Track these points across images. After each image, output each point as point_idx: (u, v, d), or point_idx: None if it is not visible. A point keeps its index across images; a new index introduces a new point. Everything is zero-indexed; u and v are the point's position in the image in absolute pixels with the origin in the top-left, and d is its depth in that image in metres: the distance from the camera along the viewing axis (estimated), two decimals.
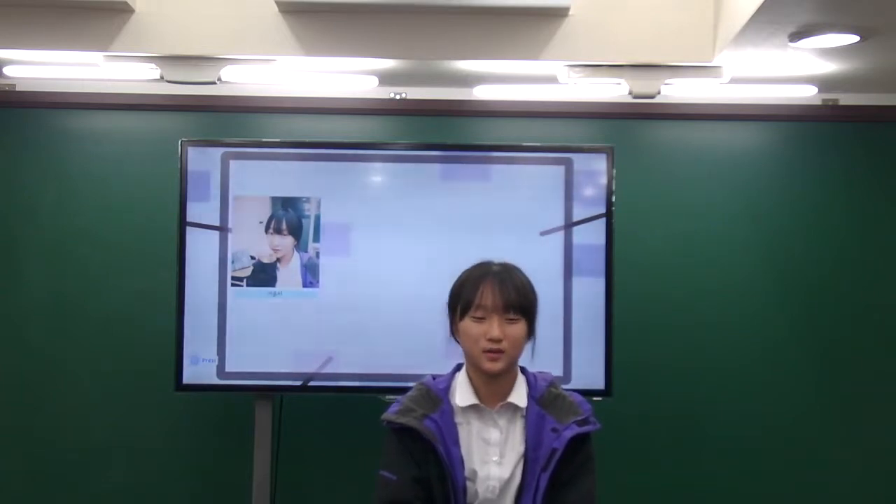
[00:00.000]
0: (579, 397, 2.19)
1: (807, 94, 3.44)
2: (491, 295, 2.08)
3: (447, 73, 3.30)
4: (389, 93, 3.52)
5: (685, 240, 3.54)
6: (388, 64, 3.19)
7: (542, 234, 3.14)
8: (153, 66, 3.07)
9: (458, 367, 2.20)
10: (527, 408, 2.12)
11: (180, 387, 3.11)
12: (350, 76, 3.37)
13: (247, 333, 3.12)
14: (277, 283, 3.12)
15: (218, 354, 3.11)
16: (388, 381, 3.06)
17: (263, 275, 3.13)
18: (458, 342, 2.16)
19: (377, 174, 3.23)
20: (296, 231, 3.14)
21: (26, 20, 2.96)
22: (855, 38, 2.71)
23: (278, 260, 3.13)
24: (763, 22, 2.55)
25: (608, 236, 3.13)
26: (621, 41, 3.00)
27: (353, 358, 3.12)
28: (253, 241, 3.13)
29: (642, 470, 3.50)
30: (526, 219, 3.14)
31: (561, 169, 3.16)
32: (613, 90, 3.19)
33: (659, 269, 3.52)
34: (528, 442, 2.09)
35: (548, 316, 2.89)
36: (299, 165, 3.18)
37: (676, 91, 3.27)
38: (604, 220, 3.13)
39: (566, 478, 2.08)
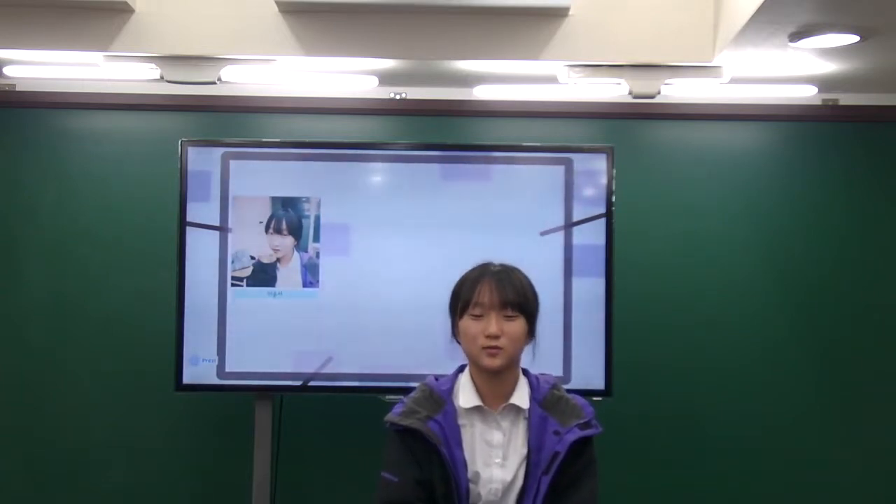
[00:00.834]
0: (582, 400, 2.19)
1: (807, 94, 3.44)
2: (488, 292, 2.10)
3: (447, 73, 3.30)
4: (389, 93, 3.52)
5: (685, 240, 3.54)
6: (388, 64, 3.19)
7: (542, 234, 3.14)
8: (153, 66, 3.07)
9: (461, 369, 2.20)
10: (529, 410, 2.12)
11: (180, 387, 3.11)
12: (350, 76, 3.36)
13: (247, 333, 3.12)
14: (277, 283, 3.12)
15: (218, 354, 3.11)
16: (387, 381, 3.06)
17: (263, 275, 3.13)
18: (459, 344, 2.16)
19: (377, 174, 3.23)
20: (296, 231, 3.14)
21: (26, 20, 2.96)
22: (855, 38, 2.71)
23: (278, 260, 3.13)
24: (763, 22, 2.55)
25: (608, 236, 3.13)
26: (621, 41, 3.00)
27: (353, 358, 3.11)
28: (253, 241, 3.13)
29: (642, 470, 3.50)
30: (526, 219, 3.14)
31: (561, 169, 3.16)
32: (613, 90, 3.19)
33: (659, 269, 3.52)
34: (531, 444, 2.10)
35: (548, 316, 2.90)
36: (299, 165, 3.18)
37: (676, 91, 3.27)
38: (604, 220, 3.13)
39: (568, 481, 2.08)
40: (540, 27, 2.99)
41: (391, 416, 2.13)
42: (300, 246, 3.13)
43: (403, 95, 3.53)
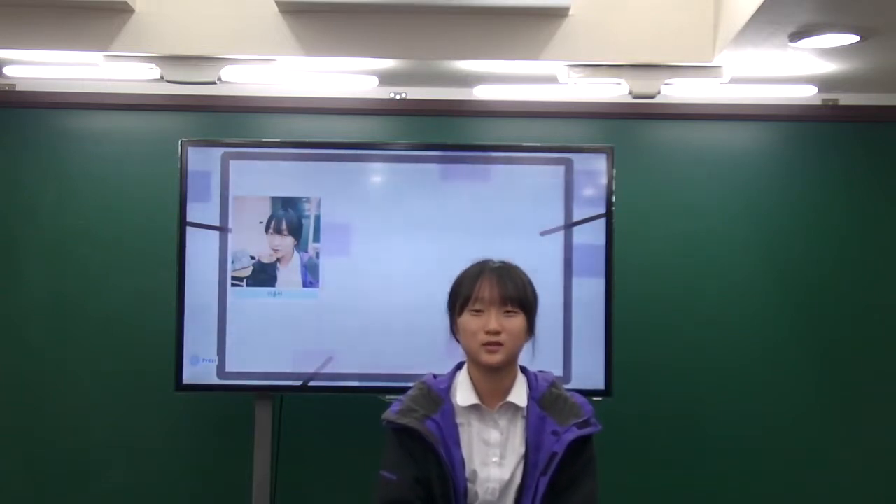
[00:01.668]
0: (581, 398, 2.18)
1: (807, 94, 3.44)
2: (488, 288, 2.09)
3: (447, 73, 3.30)
4: (389, 93, 3.52)
5: (685, 240, 3.54)
6: (388, 64, 3.19)
7: (542, 234, 3.14)
8: (153, 66, 3.07)
9: (459, 366, 2.20)
10: (527, 408, 2.12)
11: (180, 387, 3.11)
12: (350, 76, 3.37)
13: (247, 333, 3.12)
14: (277, 283, 3.13)
15: (218, 354, 3.11)
16: (388, 381, 3.06)
17: (263, 275, 3.13)
18: (458, 341, 2.16)
19: (377, 174, 3.23)
20: (296, 231, 3.14)
21: (26, 20, 2.96)
22: (855, 38, 2.71)
23: (278, 260, 3.13)
24: (763, 22, 2.55)
25: (608, 236, 3.13)
26: (621, 41, 3.00)
27: (353, 358, 3.12)
28: (253, 241, 3.13)
29: (642, 470, 3.50)
30: (526, 219, 3.14)
31: (561, 169, 3.16)
32: (613, 90, 3.19)
33: (659, 269, 3.52)
34: (529, 444, 2.09)
35: (548, 316, 2.90)
36: (299, 165, 3.18)
37: (676, 91, 3.27)
38: (604, 220, 3.13)
39: (567, 481, 2.07)
40: (540, 27, 2.99)
41: (388, 415, 2.13)
42: (300, 246, 3.13)
43: (403, 95, 3.53)
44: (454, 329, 2.16)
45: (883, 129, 3.57)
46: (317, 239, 3.14)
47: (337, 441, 3.45)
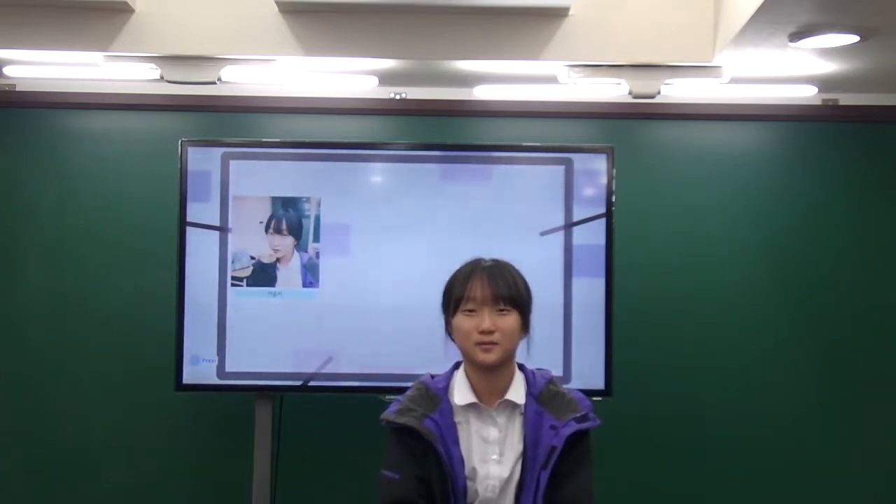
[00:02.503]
0: (579, 394, 2.19)
1: (807, 94, 3.44)
2: (480, 287, 2.09)
3: (447, 73, 3.30)
4: (389, 93, 3.52)
5: (685, 240, 3.54)
6: (388, 64, 3.19)
7: (542, 234, 3.14)
8: (153, 66, 3.07)
9: (457, 366, 2.20)
10: (525, 405, 2.12)
11: (180, 387, 3.11)
12: (350, 76, 3.37)
13: (247, 333, 3.12)
14: (277, 283, 3.13)
15: (218, 354, 3.11)
16: (388, 381, 3.06)
17: (263, 275, 3.13)
18: (453, 341, 2.16)
19: (377, 174, 3.23)
20: (296, 231, 3.14)
21: (26, 20, 2.96)
22: (855, 38, 2.71)
23: (278, 260, 3.13)
24: (763, 22, 2.55)
25: (608, 236, 3.13)
26: (621, 41, 3.00)
27: (353, 358, 3.12)
28: (253, 241, 3.13)
29: (642, 470, 3.50)
30: (526, 219, 3.14)
31: (561, 169, 3.16)
32: (613, 90, 3.19)
33: (659, 269, 3.52)
34: (527, 440, 2.09)
35: (548, 316, 2.91)
36: (299, 165, 3.18)
37: (676, 91, 3.27)
38: (604, 220, 3.13)
39: (563, 472, 2.07)
40: (540, 27, 2.99)
41: (387, 415, 2.13)
42: (300, 246, 3.13)
43: (403, 95, 3.53)
44: (449, 329, 2.17)
45: (883, 129, 3.57)
46: (317, 239, 3.14)
47: (337, 441, 3.45)
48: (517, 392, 2.13)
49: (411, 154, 3.23)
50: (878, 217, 3.57)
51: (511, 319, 2.10)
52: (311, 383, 3.12)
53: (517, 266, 2.19)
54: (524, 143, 3.28)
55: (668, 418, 3.52)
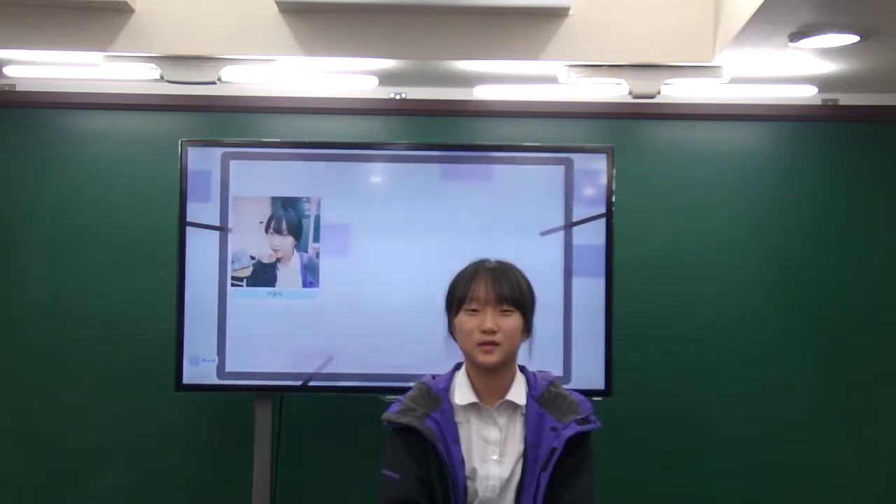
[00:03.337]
0: (580, 396, 2.19)
1: (807, 94, 3.43)
2: (484, 287, 2.10)
3: (447, 73, 3.30)
4: (389, 93, 3.52)
5: (685, 240, 3.54)
6: (388, 64, 3.19)
7: (542, 234, 3.14)
8: (153, 66, 3.07)
9: (458, 366, 2.20)
10: (526, 406, 2.12)
11: (180, 387, 3.11)
12: (350, 76, 3.37)
13: (247, 333, 3.12)
14: (277, 283, 3.13)
15: (218, 354, 3.11)
16: (388, 381, 3.06)
17: (263, 275, 3.13)
18: (455, 340, 2.16)
19: (377, 174, 3.23)
20: (296, 231, 3.14)
21: (26, 20, 2.96)
22: (855, 38, 2.71)
23: (278, 260, 3.13)
24: (763, 22, 2.55)
25: (608, 236, 3.13)
26: (621, 41, 3.00)
27: (353, 358, 3.12)
28: (253, 241, 3.13)
29: (642, 470, 3.50)
30: (526, 219, 3.14)
31: (561, 169, 3.16)
32: (613, 90, 3.19)
33: (659, 269, 3.52)
34: (528, 441, 2.10)
35: (548, 316, 2.91)
36: (299, 165, 3.18)
37: (676, 91, 3.27)
38: (604, 220, 3.13)
39: (564, 475, 2.08)
40: (540, 27, 2.99)
41: (388, 415, 2.13)
42: (300, 246, 3.13)
43: (403, 95, 3.53)
44: (451, 329, 2.17)
45: (883, 129, 3.57)
46: (317, 239, 3.14)
47: (337, 441, 3.45)
48: (518, 393, 2.13)
49: (411, 154, 3.23)
50: (878, 217, 3.57)
51: (513, 320, 2.10)
52: (311, 383, 3.12)
53: (517, 266, 2.19)
54: (524, 143, 3.28)
55: (668, 418, 3.52)
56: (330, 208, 3.14)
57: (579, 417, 2.11)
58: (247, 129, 3.50)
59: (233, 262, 3.13)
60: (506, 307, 2.10)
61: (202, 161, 3.13)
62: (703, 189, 3.56)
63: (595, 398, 2.49)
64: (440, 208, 3.15)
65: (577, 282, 3.13)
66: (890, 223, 3.57)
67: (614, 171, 3.14)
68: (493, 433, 2.12)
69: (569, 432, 2.08)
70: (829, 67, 3.10)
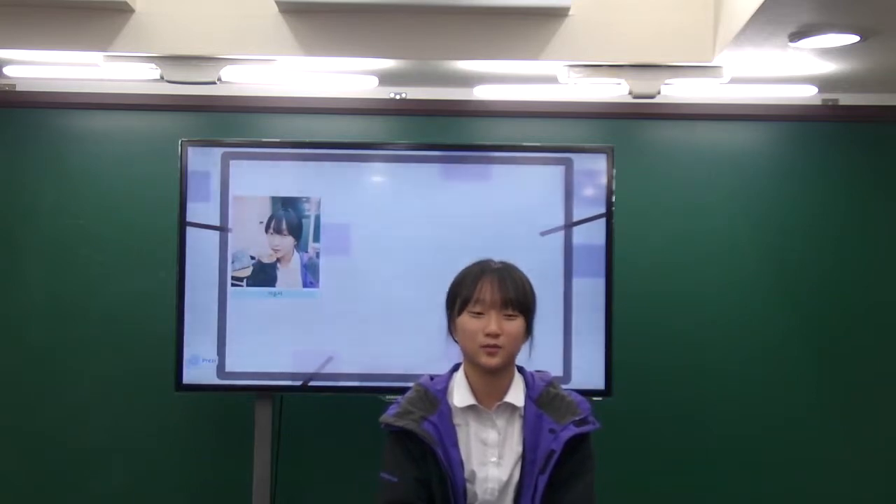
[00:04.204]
0: (578, 396, 2.18)
1: (807, 94, 3.43)
2: (490, 290, 2.09)
3: (447, 73, 3.30)
4: (389, 93, 3.52)
5: (685, 240, 3.54)
6: (388, 64, 3.19)
7: (542, 234, 3.14)
8: (153, 66, 3.07)
9: (456, 367, 2.20)
10: (525, 408, 2.12)
11: (180, 387, 3.11)
12: (350, 76, 3.36)
13: (247, 333, 3.12)
14: (277, 283, 3.13)
15: (218, 354, 3.11)
16: (388, 381, 3.06)
17: (263, 275, 3.13)
18: (455, 340, 2.16)
19: (377, 174, 3.23)
20: (296, 231, 3.14)
21: (26, 20, 2.96)
22: (855, 38, 2.71)
23: (278, 260, 3.13)
24: (763, 22, 2.55)
25: (608, 236, 3.13)
26: (621, 41, 3.00)
27: (353, 358, 3.12)
28: (253, 241, 3.13)
29: (642, 470, 3.50)
30: (526, 219, 3.14)
31: (561, 169, 3.16)
32: (613, 90, 3.19)
33: (659, 269, 3.52)
34: (526, 443, 2.09)
35: (548, 316, 2.91)
36: (299, 165, 3.18)
37: (676, 91, 3.27)
38: (604, 220, 3.13)
39: (563, 477, 2.07)
40: (540, 27, 2.99)
41: (386, 417, 2.13)
42: (300, 246, 3.13)
43: (403, 95, 3.53)
44: (452, 328, 2.16)
45: (883, 129, 3.57)
46: (317, 239, 3.14)
47: (337, 441, 3.45)
48: (516, 394, 2.13)
49: (411, 154, 3.23)
50: (878, 217, 3.57)
51: (517, 324, 2.10)
52: (311, 383, 3.12)
53: (517, 265, 2.19)
54: (524, 143, 3.28)
55: (668, 418, 3.52)
56: (330, 208, 3.14)
57: (577, 418, 2.11)
58: (247, 129, 3.50)
59: (233, 262, 3.13)
60: (511, 311, 2.09)
61: (202, 161, 3.13)
62: (703, 189, 3.56)
63: (595, 398, 2.50)
64: (440, 208, 3.14)
65: (577, 282, 3.13)
66: (890, 223, 3.57)
67: (614, 171, 3.14)
68: (492, 435, 2.11)
69: (567, 434, 2.07)
70: (829, 67, 3.10)
